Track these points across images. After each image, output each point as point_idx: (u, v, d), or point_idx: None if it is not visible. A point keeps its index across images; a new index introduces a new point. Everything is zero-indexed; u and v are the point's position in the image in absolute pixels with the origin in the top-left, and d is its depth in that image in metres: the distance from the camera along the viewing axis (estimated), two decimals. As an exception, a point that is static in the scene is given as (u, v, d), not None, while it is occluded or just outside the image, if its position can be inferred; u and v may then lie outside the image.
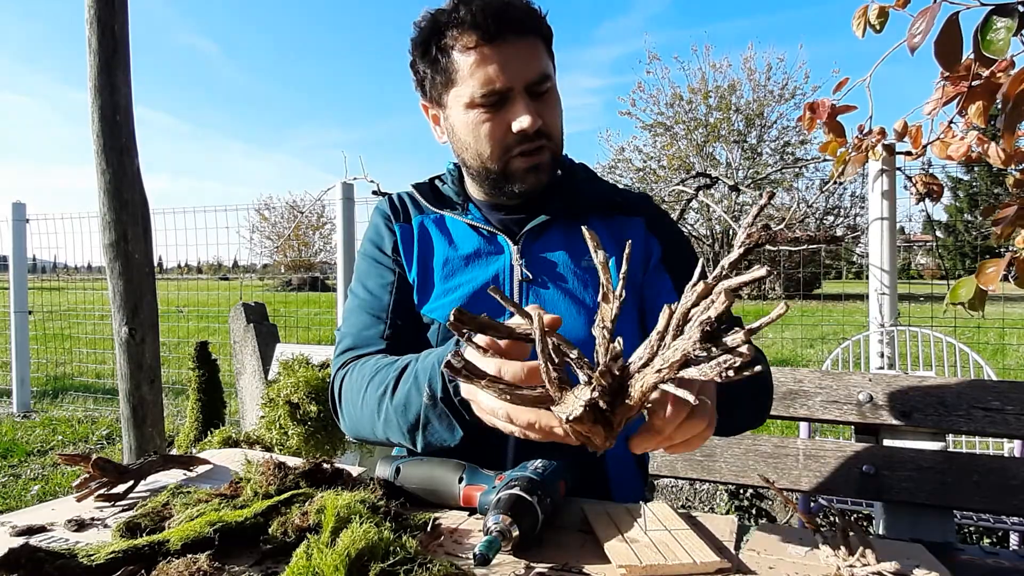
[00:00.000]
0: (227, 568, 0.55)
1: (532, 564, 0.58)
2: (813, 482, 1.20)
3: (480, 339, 0.62)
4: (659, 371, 0.50)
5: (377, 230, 1.06)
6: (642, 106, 16.65)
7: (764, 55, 21.18)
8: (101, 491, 0.75)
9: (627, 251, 0.58)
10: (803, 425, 2.11)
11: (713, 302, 0.48)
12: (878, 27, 1.61)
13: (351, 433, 0.95)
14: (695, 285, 0.52)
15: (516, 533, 0.59)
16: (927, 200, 2.52)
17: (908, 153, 2.34)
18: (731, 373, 0.45)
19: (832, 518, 2.19)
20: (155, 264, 2.21)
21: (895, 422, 1.13)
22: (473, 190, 1.05)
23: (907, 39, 1.35)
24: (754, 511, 2.54)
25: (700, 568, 0.57)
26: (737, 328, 0.47)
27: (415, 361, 0.83)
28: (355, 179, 3.59)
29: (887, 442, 1.22)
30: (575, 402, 0.51)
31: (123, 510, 0.73)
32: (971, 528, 2.09)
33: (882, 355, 2.50)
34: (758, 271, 0.48)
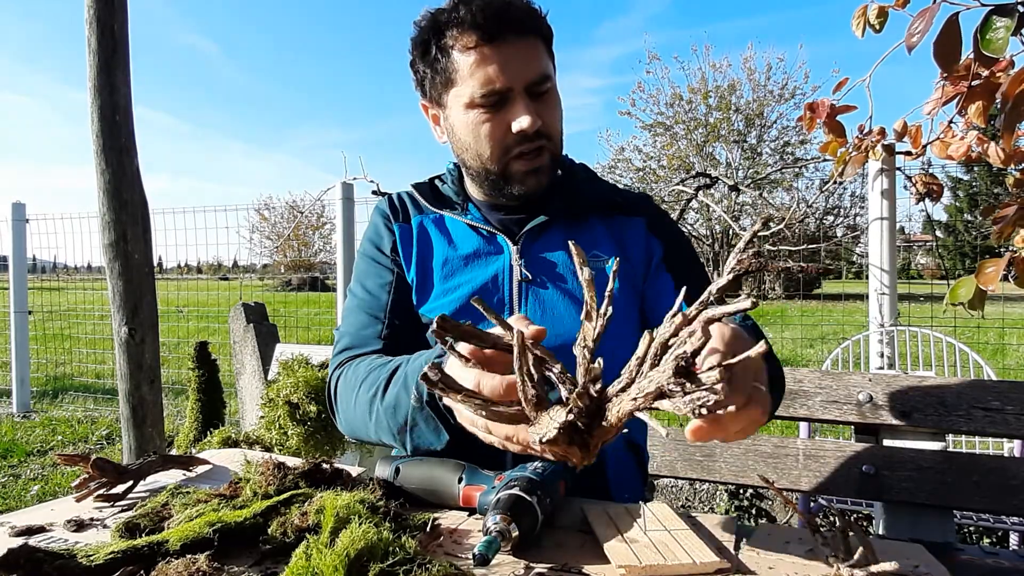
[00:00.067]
0: (226, 568, 0.55)
1: (532, 564, 0.58)
2: (813, 482, 1.20)
3: (463, 348, 0.61)
4: (635, 399, 0.49)
5: (376, 230, 1.06)
6: (642, 106, 16.66)
7: (764, 55, 21.14)
8: (100, 491, 0.75)
9: (615, 267, 0.57)
10: (803, 425, 2.11)
11: (690, 336, 0.47)
12: (877, 27, 1.61)
13: (347, 432, 0.95)
14: (674, 316, 0.51)
15: (516, 533, 0.59)
16: (927, 200, 2.52)
17: (908, 153, 2.34)
18: (704, 411, 0.44)
19: (832, 518, 2.19)
20: (155, 264, 2.21)
21: (895, 422, 1.13)
22: (473, 190, 1.05)
23: (906, 39, 1.35)
24: (754, 511, 2.54)
25: (700, 568, 0.57)
26: (713, 364, 0.46)
27: (406, 363, 0.83)
28: (355, 179, 3.59)
29: (887, 442, 1.22)
30: (550, 424, 0.50)
31: (122, 510, 0.72)
32: (971, 528, 2.09)
33: (882, 355, 2.50)
34: (743, 302, 0.47)
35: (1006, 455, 2.05)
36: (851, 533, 0.60)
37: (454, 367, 0.64)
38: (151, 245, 2.14)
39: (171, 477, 0.84)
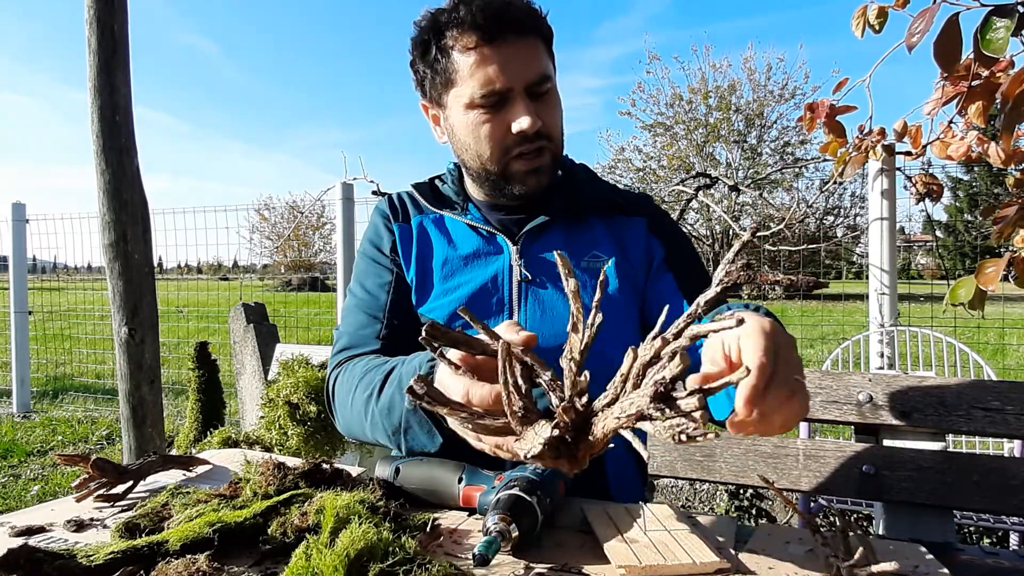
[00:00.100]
0: (226, 569, 0.55)
1: (531, 564, 0.58)
2: (813, 482, 1.20)
3: (453, 355, 0.61)
4: (618, 418, 0.49)
5: (376, 230, 1.06)
6: (642, 106, 16.67)
7: (764, 55, 21.17)
8: (100, 491, 0.75)
9: (601, 277, 0.57)
10: (803, 425, 2.11)
11: (669, 361, 0.47)
12: (877, 27, 1.61)
13: (345, 432, 0.95)
14: (655, 339, 0.50)
15: (515, 533, 0.59)
16: (927, 200, 2.53)
17: (908, 153, 2.34)
18: (683, 438, 0.44)
19: (832, 518, 2.19)
20: (155, 264, 2.21)
21: (895, 422, 1.13)
22: (473, 190, 1.05)
23: (906, 39, 1.35)
24: (754, 511, 2.54)
25: (700, 568, 0.57)
26: (693, 391, 0.46)
27: (401, 364, 0.82)
28: (355, 179, 3.59)
29: (887, 442, 1.21)
30: (535, 439, 0.50)
31: (122, 510, 0.72)
32: (971, 528, 2.09)
33: (882, 355, 2.50)
34: (727, 321, 0.47)
35: (1006, 455, 2.05)
36: (851, 533, 0.60)
37: (444, 374, 0.63)
38: (151, 245, 2.14)
39: (171, 477, 0.84)
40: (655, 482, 2.62)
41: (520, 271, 0.97)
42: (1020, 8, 1.18)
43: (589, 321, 0.55)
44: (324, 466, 0.74)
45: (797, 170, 14.64)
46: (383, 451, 0.87)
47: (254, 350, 3.16)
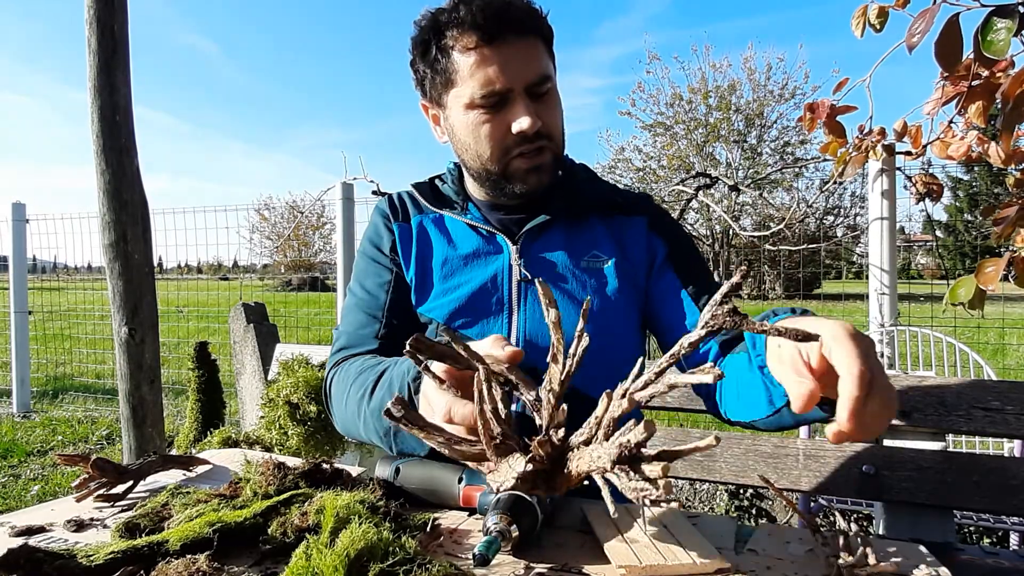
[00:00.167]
0: (226, 569, 0.55)
1: (532, 564, 0.58)
2: (813, 482, 1.20)
3: (437, 368, 0.60)
4: (589, 465, 0.49)
5: (376, 229, 1.06)
6: (642, 106, 16.68)
7: (764, 55, 21.16)
8: (100, 491, 0.75)
9: (585, 306, 0.57)
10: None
11: (634, 427, 0.46)
12: (878, 27, 1.61)
13: (342, 431, 0.96)
14: (623, 396, 0.50)
15: (516, 533, 0.59)
16: (927, 200, 2.52)
17: (908, 153, 2.34)
18: (647, 503, 0.44)
19: (832, 518, 2.19)
20: (155, 264, 2.21)
21: (895, 422, 1.13)
22: (473, 190, 1.05)
23: (906, 39, 1.35)
24: (754, 511, 2.54)
25: (700, 568, 0.57)
26: (660, 453, 0.46)
27: (392, 366, 0.82)
28: (355, 179, 3.59)
29: (887, 442, 1.21)
30: (508, 472, 0.49)
31: (122, 510, 0.72)
32: (971, 528, 2.09)
33: (882, 355, 2.50)
34: (706, 375, 0.46)
35: (1006, 455, 2.05)
36: (851, 533, 0.60)
37: (429, 389, 0.63)
38: (151, 245, 2.14)
39: (171, 477, 0.84)
40: (655, 482, 2.61)
41: (520, 271, 0.97)
42: (1021, 9, 1.18)
43: (572, 351, 0.55)
44: (324, 466, 0.74)
45: (797, 170, 14.65)
46: (383, 451, 0.87)
47: (254, 350, 3.16)
